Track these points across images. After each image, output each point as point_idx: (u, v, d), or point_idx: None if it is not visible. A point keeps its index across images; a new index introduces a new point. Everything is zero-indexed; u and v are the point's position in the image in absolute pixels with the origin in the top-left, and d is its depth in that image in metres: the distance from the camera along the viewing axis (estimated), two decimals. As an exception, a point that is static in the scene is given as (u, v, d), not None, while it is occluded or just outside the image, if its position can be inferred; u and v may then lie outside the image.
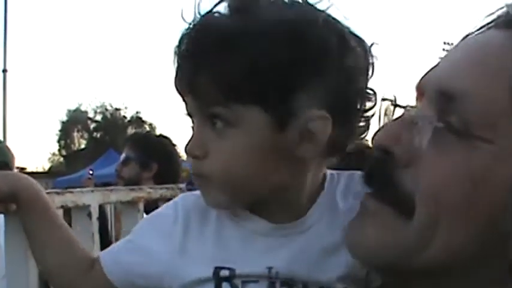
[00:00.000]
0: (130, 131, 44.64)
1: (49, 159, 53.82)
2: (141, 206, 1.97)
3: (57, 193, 1.55)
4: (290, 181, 1.24)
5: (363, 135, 1.29)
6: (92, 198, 1.78)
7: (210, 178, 1.21)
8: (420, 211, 1.03)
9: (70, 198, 1.67)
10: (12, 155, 3.86)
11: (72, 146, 53.06)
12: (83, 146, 51.79)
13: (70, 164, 42.34)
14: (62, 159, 52.49)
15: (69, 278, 1.40)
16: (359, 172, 1.28)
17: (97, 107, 53.16)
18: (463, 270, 1.06)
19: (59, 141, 53.56)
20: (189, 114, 1.26)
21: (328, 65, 1.17)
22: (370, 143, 1.20)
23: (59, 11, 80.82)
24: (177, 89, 1.25)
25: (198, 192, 1.33)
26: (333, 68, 1.18)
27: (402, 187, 1.05)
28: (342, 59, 1.19)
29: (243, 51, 1.14)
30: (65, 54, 77.10)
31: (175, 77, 1.23)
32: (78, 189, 1.76)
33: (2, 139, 3.57)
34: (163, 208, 1.41)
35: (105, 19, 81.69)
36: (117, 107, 52.89)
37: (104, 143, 41.58)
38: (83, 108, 52.92)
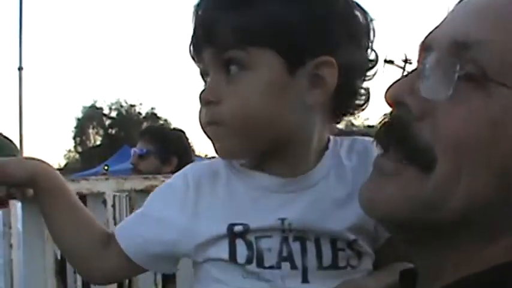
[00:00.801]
0: (145, 127, 44.64)
1: (65, 155, 54.07)
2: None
3: (73, 180, 1.58)
4: (298, 130, 1.29)
5: (364, 104, 1.35)
6: (106, 186, 1.82)
7: (223, 123, 1.25)
8: (441, 162, 1.00)
9: (85, 185, 1.72)
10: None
11: (88, 142, 53.25)
12: (98, 143, 51.98)
13: (85, 161, 42.52)
14: (77, 155, 52.71)
15: (87, 257, 1.43)
16: (361, 137, 1.38)
17: (112, 103, 53.34)
18: (476, 225, 1.03)
19: (74, 138, 53.78)
20: (202, 73, 1.32)
21: (335, 20, 1.25)
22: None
23: (73, 8, 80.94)
24: (193, 49, 1.31)
25: (204, 161, 1.42)
26: (339, 23, 1.26)
27: (420, 139, 1.02)
28: (347, 18, 1.28)
29: (261, 1, 1.23)
30: (80, 52, 77.28)
31: (192, 36, 1.30)
32: (93, 177, 1.81)
33: (18, 136, 3.59)
34: (173, 179, 1.44)
35: (120, 16, 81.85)
36: (132, 104, 53.05)
37: (119, 139, 41.73)
38: (98, 105, 53.12)
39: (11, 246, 2.02)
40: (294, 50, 1.23)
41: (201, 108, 1.29)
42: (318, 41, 1.24)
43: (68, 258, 1.49)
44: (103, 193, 1.81)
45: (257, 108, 1.23)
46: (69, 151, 54.37)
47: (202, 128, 1.31)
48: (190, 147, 4.08)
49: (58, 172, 1.46)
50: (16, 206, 1.86)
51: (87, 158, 44.08)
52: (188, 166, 1.44)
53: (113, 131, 52.49)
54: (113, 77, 77.24)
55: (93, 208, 1.80)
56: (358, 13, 1.31)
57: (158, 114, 50.59)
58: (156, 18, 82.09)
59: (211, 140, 1.31)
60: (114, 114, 53.46)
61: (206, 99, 1.27)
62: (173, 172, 3.53)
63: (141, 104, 53.32)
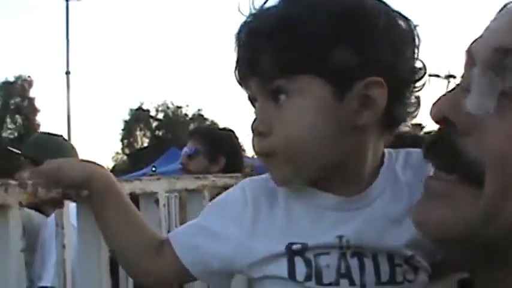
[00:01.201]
0: (192, 128, 44.93)
1: (113, 157, 54.68)
2: (206, 193, 2.02)
3: (126, 180, 1.60)
4: (352, 152, 1.27)
5: (415, 111, 1.33)
6: (159, 185, 1.83)
7: (275, 153, 1.25)
8: (489, 178, 1.00)
9: (138, 185, 1.73)
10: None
11: (135, 144, 53.83)
12: (145, 144, 52.50)
13: (133, 162, 42.96)
14: (125, 157, 53.29)
15: (139, 260, 1.44)
16: (416, 149, 1.34)
17: (159, 105, 53.85)
18: None
19: (122, 140, 54.42)
20: (251, 99, 1.33)
21: (379, 37, 1.23)
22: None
23: (119, 12, 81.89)
24: (239, 76, 1.32)
25: (261, 176, 1.40)
26: (383, 40, 1.23)
27: (467, 156, 1.03)
28: (391, 31, 1.25)
29: (300, 26, 1.21)
30: (127, 55, 78.19)
31: (237, 65, 1.31)
32: (146, 177, 1.82)
33: (66, 139, 3.61)
34: (230, 192, 1.44)
35: (165, 18, 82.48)
36: (179, 105, 53.50)
37: (166, 141, 42.07)
38: (144, 107, 53.66)
39: (63, 246, 2.05)
40: (340, 75, 1.21)
41: (253, 138, 1.30)
42: (364, 63, 1.22)
43: (119, 260, 1.50)
44: (155, 193, 1.82)
45: (307, 136, 1.23)
46: (117, 153, 55.02)
47: (256, 155, 1.32)
48: (240, 147, 4.07)
49: (112, 175, 1.48)
50: (68, 206, 1.89)
51: (134, 160, 44.54)
52: (245, 181, 1.44)
53: (160, 133, 52.96)
54: (160, 79, 77.89)
55: (145, 208, 1.81)
56: (401, 22, 1.29)
57: (205, 116, 50.88)
58: (201, 20, 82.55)
59: (266, 167, 1.32)
60: (161, 116, 53.95)
61: (257, 131, 1.28)
62: (222, 171, 3.54)
63: (187, 105, 53.74)
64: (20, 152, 3.35)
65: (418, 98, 1.33)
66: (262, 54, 1.23)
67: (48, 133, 3.63)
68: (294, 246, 1.29)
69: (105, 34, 78.92)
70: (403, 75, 1.28)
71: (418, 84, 1.31)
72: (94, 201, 1.46)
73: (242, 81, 1.32)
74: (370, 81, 1.22)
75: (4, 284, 1.37)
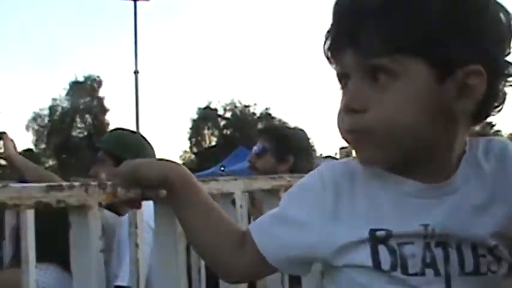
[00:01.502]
0: (260, 127, 45.15)
1: (181, 156, 55.28)
2: (281, 194, 2.00)
3: (203, 181, 1.59)
4: (443, 139, 1.25)
5: (501, 106, 1.29)
6: (235, 186, 1.83)
7: (369, 132, 1.22)
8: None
9: (215, 186, 1.72)
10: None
11: (203, 143, 54.36)
12: (213, 143, 52.95)
13: (201, 161, 43.40)
14: (193, 156, 53.83)
15: (223, 255, 1.43)
16: (496, 137, 1.34)
17: (226, 104, 54.23)
18: None
19: (190, 139, 55.00)
20: (340, 74, 1.28)
21: (486, 25, 1.20)
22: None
23: (185, 12, 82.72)
24: (333, 49, 1.27)
25: (338, 161, 1.38)
26: (489, 28, 1.21)
27: None
28: (495, 21, 1.22)
29: (407, 4, 1.18)
30: (194, 54, 78.88)
31: (330, 37, 1.27)
32: (222, 178, 1.81)
33: (143, 136, 3.60)
34: (307, 179, 1.41)
35: (232, 17, 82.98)
36: (247, 104, 53.77)
37: (234, 140, 42.34)
38: (212, 106, 54.09)
39: (137, 245, 2.06)
40: (445, 60, 1.18)
41: (341, 114, 1.26)
42: (469, 50, 1.18)
43: (203, 258, 1.50)
44: (232, 193, 1.81)
45: (405, 118, 1.19)
46: (185, 152, 55.62)
47: (341, 133, 1.28)
48: (311, 146, 4.02)
49: (191, 173, 1.47)
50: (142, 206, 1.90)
51: (202, 159, 44.97)
52: (323, 166, 1.40)
53: (228, 132, 53.35)
54: (227, 78, 78.38)
55: (222, 208, 1.80)
56: (502, 14, 1.25)
57: (273, 115, 51.00)
58: (269, 18, 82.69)
59: (352, 147, 1.29)
60: (228, 115, 54.34)
61: (350, 107, 1.23)
62: (290, 171, 3.50)
63: (255, 104, 53.94)
64: (100, 147, 3.36)
65: (505, 93, 1.28)
66: (367, 28, 1.19)
67: (127, 129, 3.64)
68: (378, 233, 1.25)
69: (173, 33, 79.81)
70: (501, 67, 1.24)
71: (510, 79, 1.27)
72: (174, 201, 1.45)
73: (335, 55, 1.27)
74: (471, 70, 1.19)
75: (84, 283, 1.38)
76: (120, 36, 72.48)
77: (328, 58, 1.29)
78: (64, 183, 1.30)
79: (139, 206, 1.53)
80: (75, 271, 1.40)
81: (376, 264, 1.25)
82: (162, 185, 1.43)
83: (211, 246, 1.44)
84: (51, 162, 53.02)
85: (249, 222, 3.74)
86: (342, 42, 1.24)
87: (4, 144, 3.76)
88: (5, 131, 3.82)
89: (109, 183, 1.39)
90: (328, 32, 1.28)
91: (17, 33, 75.23)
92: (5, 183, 1.19)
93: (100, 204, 1.37)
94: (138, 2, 30.84)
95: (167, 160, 1.48)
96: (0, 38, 73.06)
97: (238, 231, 1.46)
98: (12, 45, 73.07)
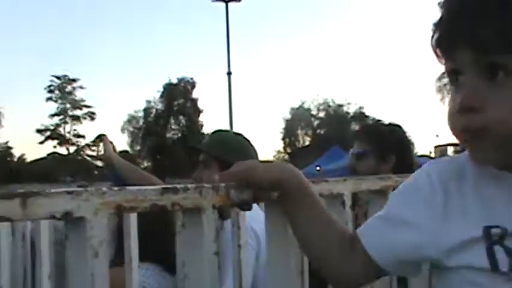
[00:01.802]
0: (354, 126, 44.97)
1: (274, 156, 55.59)
2: (389, 194, 1.96)
3: (313, 182, 1.56)
4: None
5: None
6: (345, 187, 1.80)
7: (485, 131, 1.17)
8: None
9: (325, 187, 1.69)
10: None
11: (296, 143, 54.50)
12: (306, 143, 53.00)
13: (295, 161, 43.42)
14: (286, 156, 54.00)
15: (333, 260, 1.41)
16: None
17: (320, 104, 54.22)
18: None
19: (283, 139, 55.28)
20: (452, 71, 1.24)
21: None
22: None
23: (278, 11, 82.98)
24: (445, 45, 1.23)
25: (444, 158, 1.36)
26: None
27: None
28: None
29: None
30: (287, 54, 79.10)
31: (442, 32, 1.23)
32: (332, 179, 1.78)
33: (246, 138, 3.53)
34: (414, 178, 1.38)
35: (324, 15, 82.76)
36: (340, 103, 53.56)
37: (328, 140, 42.23)
38: (305, 106, 54.14)
39: (239, 246, 2.05)
40: None
41: (454, 112, 1.22)
42: None
43: (313, 261, 1.47)
44: (342, 194, 1.78)
45: None
46: (278, 152, 55.93)
47: (453, 131, 1.25)
48: (410, 141, 3.90)
49: (304, 177, 1.45)
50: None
51: (296, 159, 45.02)
52: (429, 165, 1.37)
53: (321, 131, 53.28)
54: (320, 78, 78.21)
55: (331, 209, 1.78)
56: None
57: (366, 113, 50.64)
58: (360, 16, 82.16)
59: (466, 146, 1.26)
60: (322, 114, 54.27)
61: (467, 105, 1.19)
62: (392, 170, 3.41)
63: (348, 103, 53.69)
64: (202, 149, 3.35)
65: None
66: (486, 24, 1.15)
67: (228, 131, 3.62)
68: (493, 230, 1.21)
69: (265, 33, 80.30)
70: None
71: None
72: (286, 203, 1.44)
73: (448, 51, 1.23)
74: None
75: (199, 286, 1.38)
76: (212, 37, 73.33)
77: (436, 53, 1.26)
78: (178, 186, 1.30)
79: (250, 208, 1.52)
80: (189, 275, 1.39)
81: (493, 266, 1.20)
82: (275, 187, 1.42)
83: (320, 249, 1.43)
84: (145, 164, 54.22)
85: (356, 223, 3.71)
86: (457, 38, 1.20)
87: (104, 146, 3.83)
88: (105, 133, 3.90)
89: (222, 185, 1.37)
90: (436, 25, 1.25)
91: (113, 38, 77.26)
92: (121, 187, 1.20)
93: (214, 207, 1.36)
94: (229, 4, 31.14)
95: (279, 162, 1.47)
96: (97, 43, 75.17)
97: (347, 234, 1.44)
98: (108, 50, 75.09)
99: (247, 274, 2.20)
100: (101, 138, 3.85)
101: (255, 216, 2.00)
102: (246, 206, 1.51)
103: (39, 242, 3.57)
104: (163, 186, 1.27)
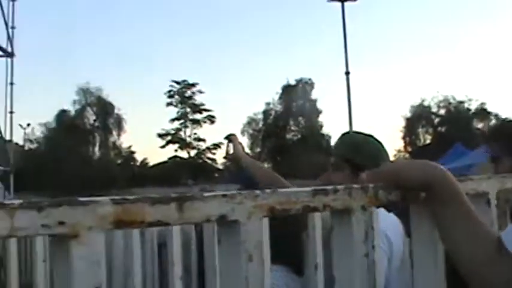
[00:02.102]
0: (476, 123, 43.87)
1: (394, 155, 54.73)
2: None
3: (460, 180, 1.52)
4: None
5: None
6: (490, 185, 1.74)
7: None
8: None
9: (471, 185, 1.64)
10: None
11: (417, 142, 53.54)
12: (427, 142, 51.99)
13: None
14: (407, 155, 53.14)
15: (477, 265, 1.37)
16: None
17: (440, 101, 53.04)
18: None
19: (403, 138, 54.42)
20: None
21: None
22: None
23: (395, 10, 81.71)
24: None
25: None
26: None
27: None
28: None
29: None
30: (406, 51, 77.85)
31: None
32: (476, 177, 1.73)
33: (377, 139, 3.43)
34: None
35: (436, 14, 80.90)
36: (461, 100, 52.23)
37: (449, 137, 41.21)
38: (425, 104, 53.13)
39: (373, 247, 2.02)
40: None
41: None
42: None
43: (459, 264, 1.43)
44: (487, 193, 1.73)
45: None
46: (399, 151, 55.09)
47: None
48: None
49: (452, 175, 1.41)
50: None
51: (417, 158, 44.00)
52: None
53: (443, 129, 52.14)
54: (440, 75, 76.48)
55: (476, 209, 1.73)
56: None
57: (488, 109, 49.20)
58: (478, 10, 79.76)
59: None
60: (442, 112, 53.11)
61: None
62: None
63: (470, 99, 52.29)
64: (335, 153, 3.32)
65: None
66: None
67: (358, 132, 3.57)
68: None
69: (382, 31, 79.29)
70: None
71: None
72: (434, 203, 1.41)
73: None
74: None
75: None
76: (329, 37, 73.02)
77: None
78: (328, 187, 1.29)
79: (395, 209, 1.50)
80: (338, 277, 1.38)
81: None
82: (424, 188, 1.39)
83: (468, 252, 1.39)
84: (266, 165, 54.64)
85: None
86: None
87: (233, 146, 3.87)
88: (234, 133, 3.94)
89: (371, 186, 1.36)
90: None
91: (230, 42, 78.39)
92: (273, 188, 1.20)
93: (363, 208, 1.34)
94: (345, 3, 30.89)
95: (428, 162, 1.43)
96: (215, 47, 76.45)
97: (494, 236, 1.39)
98: (226, 54, 76.20)
99: (380, 276, 2.17)
100: (229, 137, 3.90)
101: (386, 219, 1.97)
102: (394, 207, 1.49)
103: (171, 244, 3.64)
104: (314, 188, 1.27)
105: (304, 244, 2.53)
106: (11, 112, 13.77)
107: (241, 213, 1.14)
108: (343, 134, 3.44)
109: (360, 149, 3.12)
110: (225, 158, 4.18)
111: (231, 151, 3.90)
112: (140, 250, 4.32)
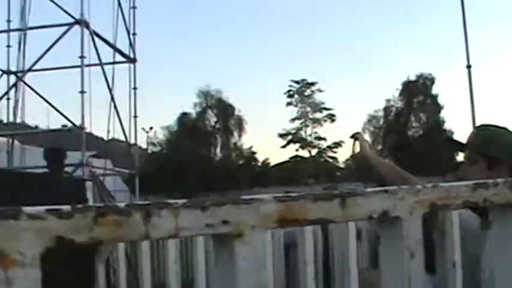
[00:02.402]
0: None
1: None
2: None
3: None
4: None
5: None
6: None
7: None
8: None
9: None
10: None
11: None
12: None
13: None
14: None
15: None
16: None
17: None
18: None
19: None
20: None
21: None
22: None
23: (520, -2, 78.85)
24: None
25: None
26: None
27: None
28: None
29: None
30: (530, 41, 74.97)
31: None
32: None
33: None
34: None
35: None
36: None
37: None
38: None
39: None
40: None
41: None
42: None
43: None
44: None
45: None
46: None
47: None
48: None
49: None
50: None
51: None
52: None
53: None
54: None
55: None
56: None
57: None
58: None
59: None
60: None
61: None
62: None
63: None
64: (470, 147, 3.20)
65: None
66: None
67: (493, 125, 3.43)
68: None
69: (505, 23, 76.64)
70: None
71: None
72: None
73: None
74: None
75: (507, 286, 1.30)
76: (449, 31, 71.28)
77: None
78: (489, 181, 1.22)
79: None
80: (499, 273, 1.31)
81: None
82: None
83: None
84: (388, 162, 53.96)
85: None
86: None
87: (360, 144, 3.80)
88: (359, 131, 3.87)
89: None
90: None
91: (344, 39, 77.96)
92: (434, 184, 1.14)
93: (525, 202, 1.26)
94: (465, -5, 30.11)
95: None
96: (332, 46, 76.23)
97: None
98: (343, 52, 75.79)
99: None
100: (355, 136, 3.84)
101: None
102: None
103: (303, 244, 3.62)
104: (475, 182, 1.20)
105: (436, 242, 2.45)
106: (135, 116, 14.10)
107: (403, 209, 1.09)
108: (478, 127, 3.31)
109: (495, 142, 3.00)
110: (351, 156, 4.12)
111: (357, 149, 3.83)
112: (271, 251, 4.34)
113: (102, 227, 0.79)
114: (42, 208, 0.79)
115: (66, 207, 0.79)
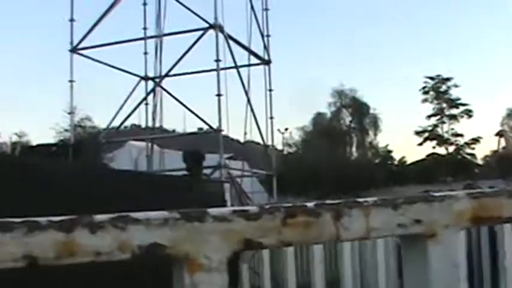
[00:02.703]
0: None
1: None
2: None
3: None
4: None
5: None
6: None
7: None
8: None
9: None
10: None
11: None
12: None
13: None
14: None
15: None
16: None
17: None
18: None
19: None
20: None
21: None
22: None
23: None
24: None
25: None
26: None
27: None
28: None
29: None
30: None
31: None
32: None
33: None
34: None
35: None
36: None
37: None
38: None
39: None
40: None
41: None
42: None
43: None
44: None
45: None
46: None
47: None
48: None
49: None
50: None
51: None
52: None
53: None
54: None
55: None
56: None
57: None
58: None
59: None
60: None
61: None
62: None
63: None
64: None
65: None
66: None
67: None
68: None
69: None
70: None
71: None
72: None
73: None
74: None
75: None
76: None
77: None
78: None
79: None
80: None
81: None
82: None
83: None
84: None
85: None
86: None
87: (505, 141, 3.67)
88: (504, 129, 3.72)
89: None
90: None
91: (483, 29, 75.52)
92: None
93: None
94: None
95: None
96: (465, 38, 74.06)
97: None
98: (479, 44, 73.45)
99: None
100: (500, 133, 3.71)
101: None
102: None
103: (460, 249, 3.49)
104: None
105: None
106: (271, 118, 14.18)
107: None
108: None
109: None
110: (495, 153, 3.96)
111: (502, 146, 3.70)
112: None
113: (291, 229, 0.75)
114: (228, 209, 0.76)
115: (253, 208, 0.76)
